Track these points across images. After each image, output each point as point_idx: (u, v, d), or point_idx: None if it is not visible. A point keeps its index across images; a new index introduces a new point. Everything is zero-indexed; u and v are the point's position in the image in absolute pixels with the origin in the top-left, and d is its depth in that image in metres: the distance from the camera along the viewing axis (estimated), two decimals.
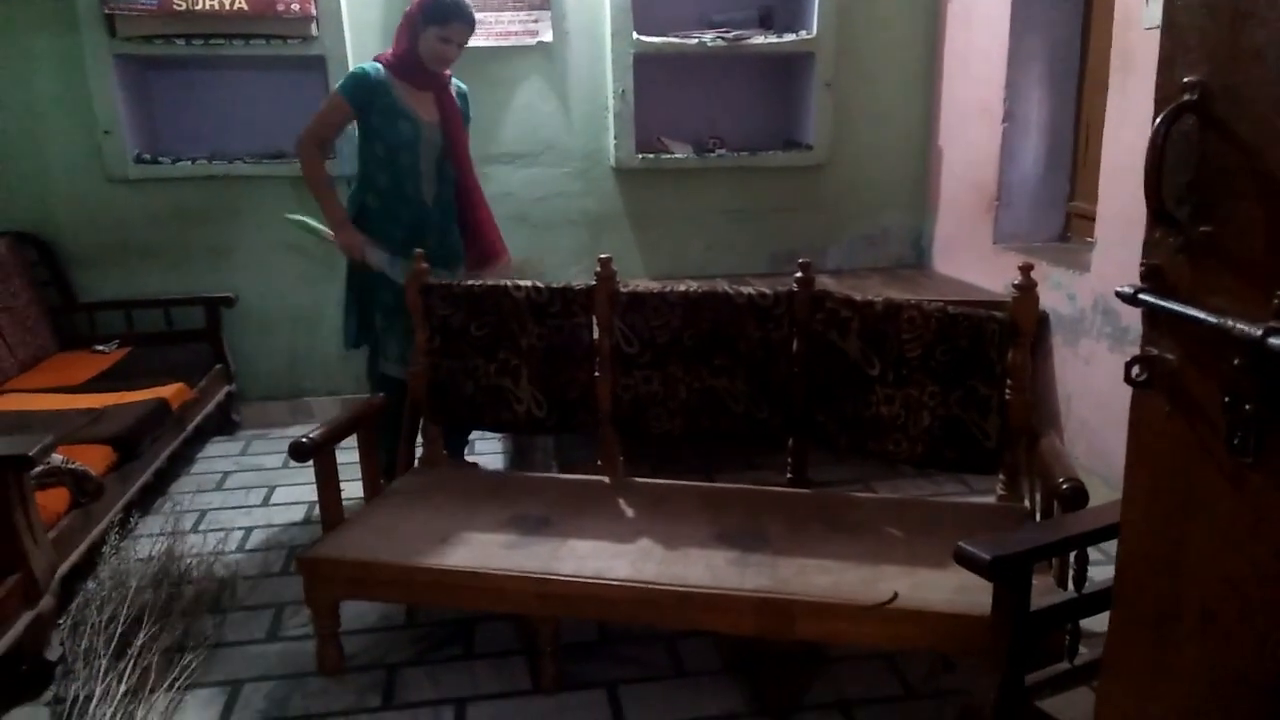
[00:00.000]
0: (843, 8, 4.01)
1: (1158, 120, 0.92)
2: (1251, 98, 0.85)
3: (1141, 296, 0.96)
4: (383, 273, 3.01)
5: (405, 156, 2.99)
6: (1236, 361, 0.85)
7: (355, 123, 3.01)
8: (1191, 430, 0.95)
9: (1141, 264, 0.99)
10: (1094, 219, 3.15)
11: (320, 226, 3.17)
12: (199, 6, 3.54)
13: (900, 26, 4.18)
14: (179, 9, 3.54)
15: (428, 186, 3.06)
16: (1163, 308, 0.94)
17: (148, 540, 2.79)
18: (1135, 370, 1.00)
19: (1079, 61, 3.57)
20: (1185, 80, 0.91)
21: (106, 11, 3.55)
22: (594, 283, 2.60)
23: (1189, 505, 0.98)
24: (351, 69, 3.12)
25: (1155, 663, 1.07)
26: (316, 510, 3.14)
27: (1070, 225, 3.70)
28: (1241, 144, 0.87)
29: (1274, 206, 0.83)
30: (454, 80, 3.11)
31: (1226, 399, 0.88)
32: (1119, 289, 0.99)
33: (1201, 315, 0.88)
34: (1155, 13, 2.70)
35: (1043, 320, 3.26)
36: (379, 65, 2.97)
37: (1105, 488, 2.84)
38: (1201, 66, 0.90)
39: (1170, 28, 0.94)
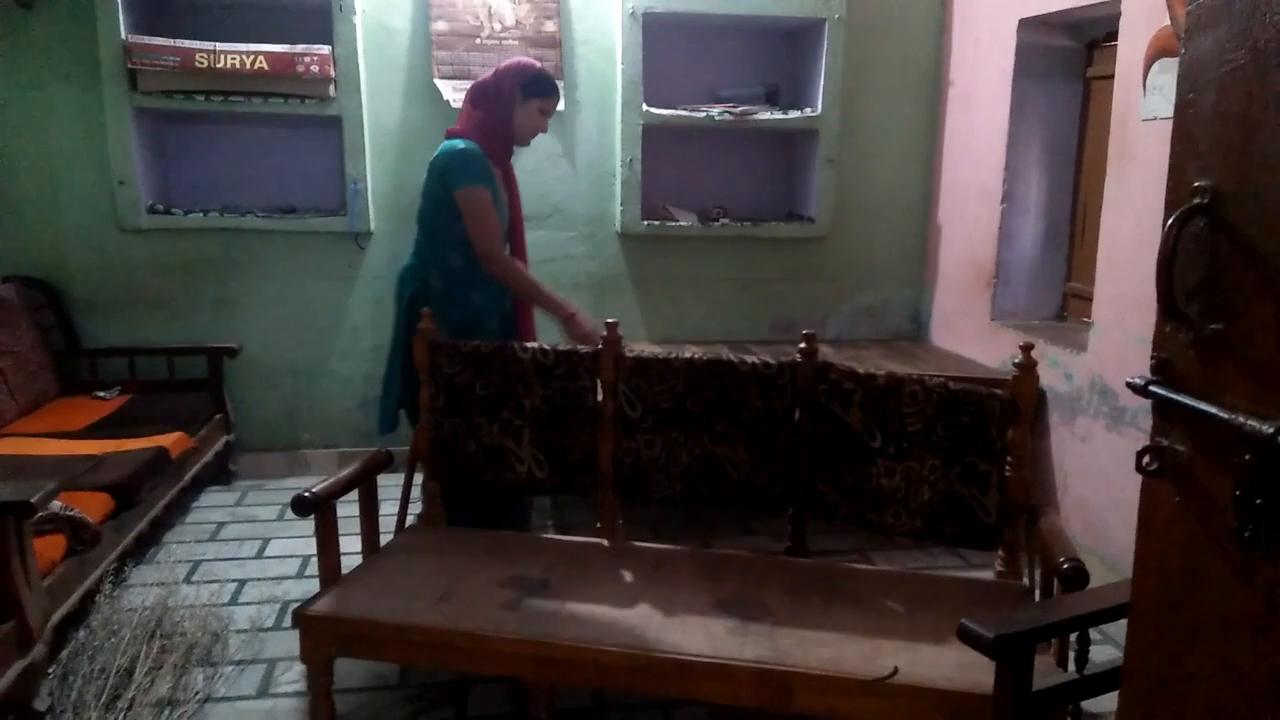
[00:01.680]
0: (846, 88, 4.12)
1: (1170, 221, 0.97)
2: (1261, 203, 0.89)
3: (1152, 389, 1.00)
4: None
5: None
6: (1247, 457, 0.88)
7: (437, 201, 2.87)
8: (1202, 521, 0.98)
9: (1153, 357, 1.02)
10: (1091, 299, 3.21)
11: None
12: (221, 65, 3.62)
13: (902, 107, 4.30)
14: (201, 66, 3.62)
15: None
16: (1174, 400, 0.97)
17: (141, 590, 2.77)
18: (1146, 460, 1.03)
19: (1077, 146, 3.67)
20: (1196, 184, 0.95)
21: (130, 66, 3.63)
22: (600, 346, 2.64)
23: (1199, 595, 1.00)
24: (456, 151, 2.83)
25: None
26: (311, 564, 3.15)
27: (1067, 305, 3.76)
28: (1251, 246, 0.91)
29: None
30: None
31: (1237, 492, 0.90)
32: (1129, 380, 1.03)
33: (1213, 410, 0.91)
34: (1153, 105, 2.80)
35: (1040, 398, 3.30)
36: (473, 143, 2.84)
37: (1102, 567, 2.86)
38: (1212, 171, 0.94)
39: (1181, 133, 0.99)
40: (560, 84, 3.95)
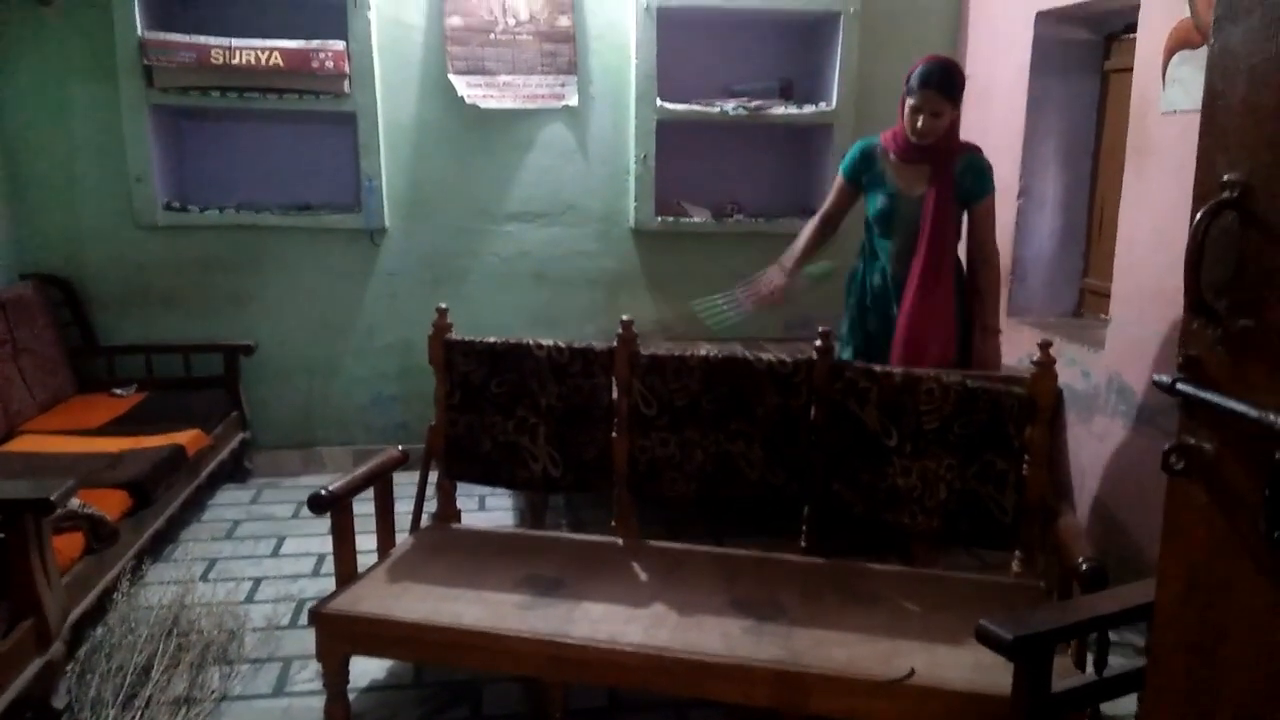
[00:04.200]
0: (861, 82, 4.09)
1: (1199, 215, 0.95)
2: None
3: (1180, 387, 0.98)
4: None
5: (879, 228, 2.99)
6: (1277, 456, 0.86)
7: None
8: (1229, 521, 0.96)
9: (1180, 354, 1.01)
10: (1108, 296, 3.18)
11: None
12: (236, 61, 3.63)
13: None
14: (216, 63, 3.63)
15: (894, 262, 2.96)
16: (1201, 399, 0.95)
17: (158, 588, 2.78)
18: (1173, 459, 1.01)
19: (1094, 141, 3.63)
20: (1225, 178, 0.94)
21: (146, 63, 3.64)
22: (615, 344, 2.63)
23: (1226, 596, 0.98)
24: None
25: None
26: (326, 563, 3.16)
27: (1084, 301, 3.73)
28: None
29: None
30: (970, 156, 2.93)
31: (1267, 492, 0.89)
32: (1156, 378, 1.01)
33: (1242, 408, 0.89)
34: (1173, 98, 2.77)
35: (1057, 396, 3.27)
36: (877, 137, 2.98)
37: (1120, 567, 2.83)
38: (1242, 165, 0.93)
39: (1210, 126, 0.97)
40: (575, 80, 3.97)
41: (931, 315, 2.89)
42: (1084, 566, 1.93)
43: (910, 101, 2.80)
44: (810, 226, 3.17)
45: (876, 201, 2.97)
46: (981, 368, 2.89)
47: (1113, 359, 3.07)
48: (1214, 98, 0.97)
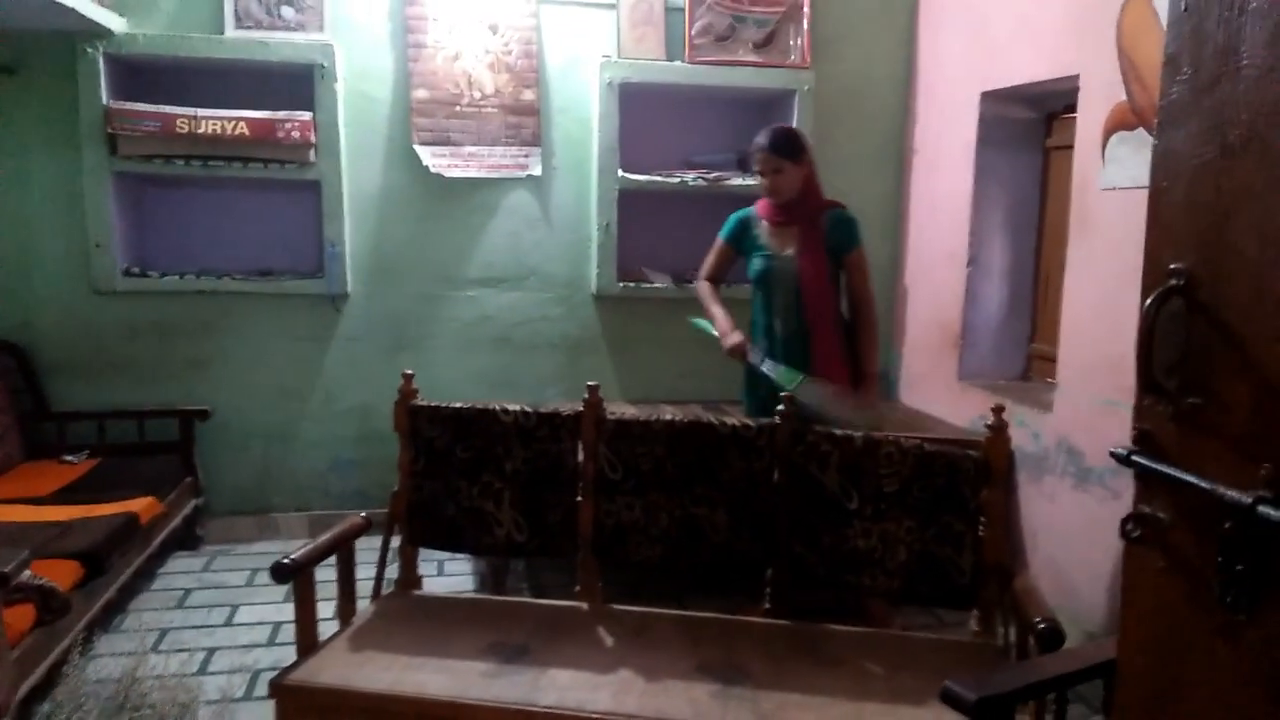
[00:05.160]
0: (816, 157, 4.22)
1: (1148, 301, 1.02)
2: (1234, 287, 0.95)
3: (1135, 458, 1.04)
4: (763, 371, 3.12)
5: (760, 288, 3.18)
6: (1227, 525, 0.92)
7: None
8: (1185, 585, 1.02)
9: (1134, 428, 1.07)
10: (1054, 360, 3.30)
11: (713, 330, 3.29)
12: (201, 130, 3.65)
13: (869, 173, 4.42)
14: (182, 131, 3.64)
15: (781, 318, 3.14)
16: (1155, 470, 1.01)
17: (109, 660, 2.71)
18: (1129, 527, 1.07)
19: (1038, 213, 3.80)
20: (1171, 267, 1.01)
21: (110, 130, 3.65)
22: (581, 408, 2.66)
23: (1184, 657, 1.03)
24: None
25: None
26: (281, 631, 3.11)
27: (1032, 366, 3.86)
28: (1224, 326, 0.96)
29: (1257, 384, 0.92)
30: (834, 211, 3.15)
31: (1219, 559, 0.95)
32: (1113, 450, 1.07)
33: (1192, 480, 0.96)
34: (1112, 176, 2.92)
35: (1009, 458, 3.36)
36: (752, 208, 3.21)
37: (1072, 626, 2.89)
38: (1187, 255, 1.00)
39: (1156, 219, 1.05)
40: (539, 151, 4.07)
41: (829, 363, 3.09)
42: (1041, 626, 1.98)
43: (756, 166, 3.10)
44: (708, 288, 3.35)
45: (755, 264, 3.17)
46: (858, 411, 3.03)
47: (1061, 422, 3.17)
48: (1158, 194, 1.05)
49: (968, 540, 2.42)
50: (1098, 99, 3.00)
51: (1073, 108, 3.21)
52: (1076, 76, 3.11)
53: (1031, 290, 3.84)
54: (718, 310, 3.27)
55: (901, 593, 2.49)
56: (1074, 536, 3.09)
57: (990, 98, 3.71)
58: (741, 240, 3.24)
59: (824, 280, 3.08)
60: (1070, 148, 3.21)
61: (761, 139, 3.06)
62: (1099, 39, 2.96)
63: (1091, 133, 3.02)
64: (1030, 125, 3.77)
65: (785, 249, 3.11)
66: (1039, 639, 1.98)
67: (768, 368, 3.09)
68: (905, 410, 4.27)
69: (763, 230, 3.18)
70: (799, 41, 4.22)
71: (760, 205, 3.20)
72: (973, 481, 2.41)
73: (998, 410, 2.38)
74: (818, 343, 3.10)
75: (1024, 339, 3.89)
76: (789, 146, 3.06)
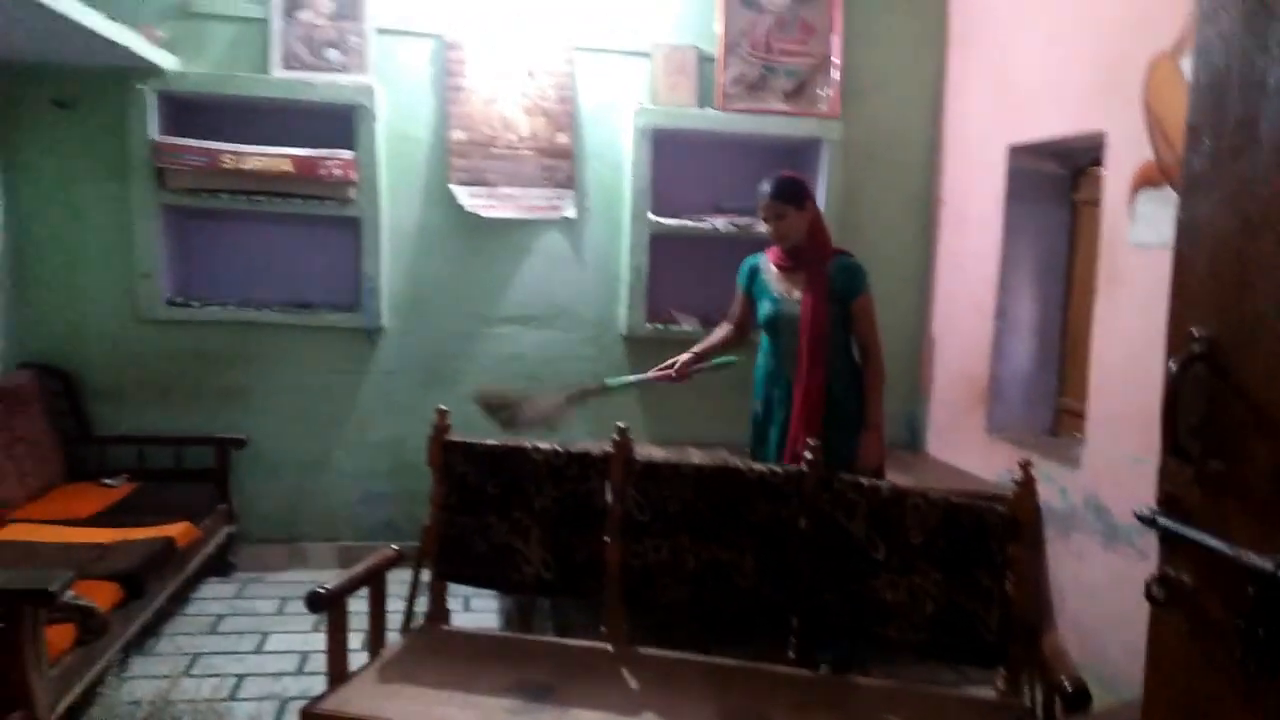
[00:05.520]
0: (843, 203, 4.31)
1: (1172, 367, 1.06)
2: (1256, 354, 0.99)
3: (1159, 521, 1.07)
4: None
5: (768, 331, 3.25)
6: (1250, 590, 0.95)
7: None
8: (1208, 648, 1.04)
9: (1159, 491, 1.10)
10: (1083, 415, 3.31)
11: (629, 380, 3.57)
12: (246, 166, 3.77)
13: (897, 223, 4.48)
14: (227, 167, 3.77)
15: (787, 362, 3.19)
16: (1179, 533, 1.04)
17: (143, 682, 2.76)
18: (1154, 589, 1.10)
19: (1066, 267, 3.83)
20: (1195, 334, 1.05)
21: (159, 165, 3.78)
22: (610, 449, 2.70)
23: (1207, 718, 1.06)
24: None
25: None
26: (310, 661, 3.15)
27: (1060, 420, 3.86)
28: (1246, 393, 1.00)
29: (1279, 450, 0.96)
30: (840, 259, 3.20)
31: (1242, 623, 0.97)
32: (1137, 511, 1.10)
33: (1215, 544, 0.99)
34: (1140, 233, 2.95)
35: (1035, 513, 3.36)
36: (762, 254, 3.30)
37: (1098, 686, 2.87)
38: (1209, 322, 1.04)
39: (1180, 287, 1.09)
40: (573, 193, 4.16)
41: (814, 414, 3.11)
42: (1068, 686, 1.98)
43: (760, 212, 3.18)
44: (723, 328, 3.48)
45: (763, 308, 3.24)
46: (863, 463, 3.11)
47: (1089, 478, 3.18)
48: (1182, 261, 1.09)
49: (995, 596, 2.42)
50: (1124, 155, 3.04)
51: (1100, 162, 3.25)
52: (1103, 133, 3.16)
53: (1059, 344, 3.86)
54: (704, 341, 3.45)
55: (928, 647, 2.49)
56: (1102, 595, 3.08)
57: (1018, 152, 3.76)
58: (752, 285, 3.32)
59: (823, 326, 3.12)
60: (1097, 203, 3.25)
61: (765, 186, 3.13)
62: (1125, 96, 3.01)
63: (1119, 188, 3.06)
64: (1058, 179, 3.81)
65: (792, 294, 3.18)
66: (1065, 699, 1.99)
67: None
68: (933, 462, 4.28)
69: (771, 275, 3.25)
70: (828, 92, 4.30)
71: (771, 251, 3.28)
72: (1000, 536, 2.42)
73: (1025, 465, 2.39)
74: (797, 380, 3.15)
75: (1052, 393, 3.89)
76: (790, 193, 3.12)
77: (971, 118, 4.16)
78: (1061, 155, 3.74)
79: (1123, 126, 3.05)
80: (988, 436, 3.87)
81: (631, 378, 3.61)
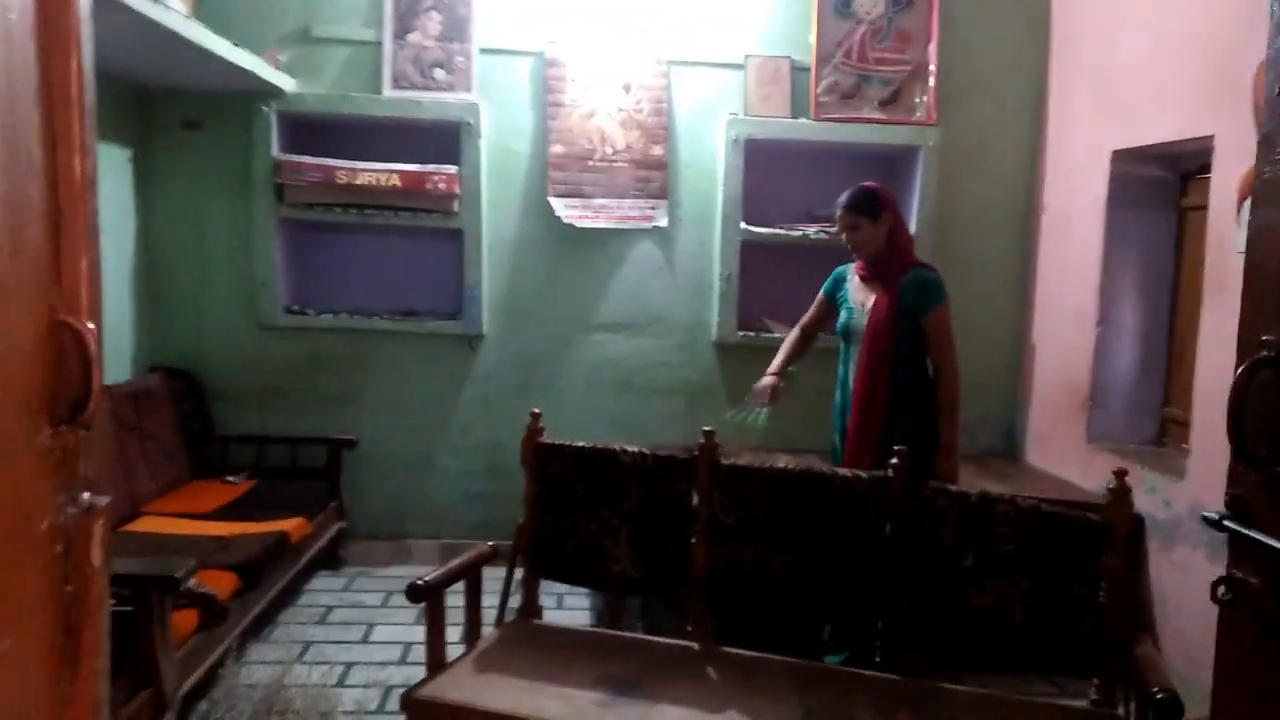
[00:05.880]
0: (940, 210, 4.26)
1: (1239, 370, 1.06)
2: None
3: (1226, 523, 1.08)
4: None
5: (843, 340, 3.30)
6: None
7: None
8: (1275, 649, 1.04)
9: (1226, 493, 1.11)
10: (1188, 425, 3.21)
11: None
12: (359, 181, 3.98)
13: (996, 229, 4.41)
14: (341, 182, 3.99)
15: (854, 370, 3.22)
16: (1246, 535, 1.05)
17: (259, 667, 2.95)
18: (1221, 590, 1.10)
19: (1172, 273, 3.71)
20: (1264, 338, 1.05)
21: (279, 181, 4.03)
22: (697, 453, 2.76)
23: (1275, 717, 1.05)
24: None
25: None
26: (412, 651, 3.30)
27: (1165, 430, 3.74)
28: None
29: None
30: (916, 271, 3.14)
31: None
32: (1205, 513, 1.11)
33: None
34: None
35: (1138, 524, 3.27)
36: (851, 263, 3.31)
37: (1202, 700, 2.78)
38: (1277, 327, 1.05)
39: (1249, 292, 1.09)
40: (666, 203, 4.24)
41: (866, 425, 3.10)
42: (1159, 697, 1.95)
43: (836, 224, 3.19)
44: (793, 335, 3.50)
45: (840, 316, 3.27)
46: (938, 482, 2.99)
47: (1194, 489, 3.08)
48: (1252, 268, 1.09)
49: (1088, 606, 2.38)
50: (1232, 160, 2.94)
51: (1207, 168, 3.15)
52: (1211, 137, 3.06)
53: (1165, 352, 3.74)
54: (781, 355, 3.43)
55: (1018, 656, 2.47)
56: (1207, 609, 2.94)
57: (1121, 157, 3.66)
58: (835, 294, 3.34)
59: (884, 339, 3.08)
60: (1205, 208, 3.15)
61: (841, 198, 3.15)
62: (1235, 99, 2.91)
63: (1226, 194, 2.96)
64: (1164, 184, 3.70)
65: (865, 304, 3.18)
66: (1156, 709, 1.95)
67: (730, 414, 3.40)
68: (1032, 471, 4.19)
69: (853, 285, 3.27)
70: (924, 99, 4.27)
71: (857, 262, 3.27)
72: (1093, 545, 2.38)
73: (1120, 474, 2.35)
74: (855, 392, 3.15)
75: (1157, 402, 3.77)
76: (864, 204, 3.11)
77: (1073, 122, 4.08)
78: (1167, 160, 3.63)
79: (1231, 130, 2.95)
80: (1088, 446, 3.78)
81: (749, 415, 3.48)
